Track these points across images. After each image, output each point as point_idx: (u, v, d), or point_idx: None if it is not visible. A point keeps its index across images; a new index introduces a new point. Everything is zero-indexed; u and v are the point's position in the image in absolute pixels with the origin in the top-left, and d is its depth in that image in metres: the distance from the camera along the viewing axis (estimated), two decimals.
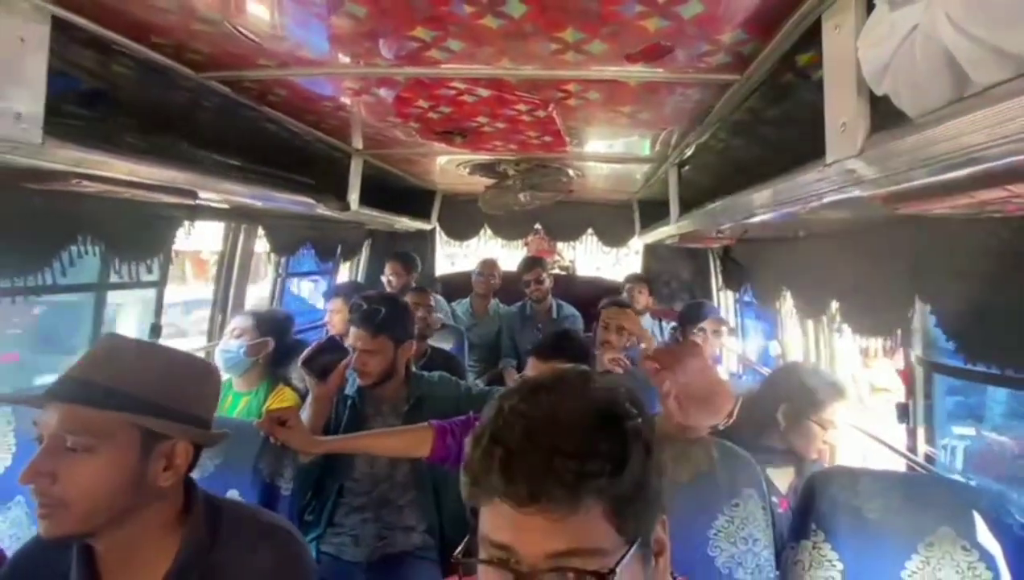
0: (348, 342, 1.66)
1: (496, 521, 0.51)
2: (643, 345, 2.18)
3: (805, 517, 1.09)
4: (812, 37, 0.84)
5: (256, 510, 0.97)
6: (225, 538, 0.85)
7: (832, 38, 0.78)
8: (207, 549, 0.84)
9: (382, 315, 1.64)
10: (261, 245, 2.39)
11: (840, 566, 1.04)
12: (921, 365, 1.40)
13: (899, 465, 1.56)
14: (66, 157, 1.06)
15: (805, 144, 0.92)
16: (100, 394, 0.77)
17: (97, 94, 1.27)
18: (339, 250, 3.10)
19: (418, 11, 0.89)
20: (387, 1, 0.86)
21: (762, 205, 1.19)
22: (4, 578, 0.83)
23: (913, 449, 1.47)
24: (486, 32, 0.96)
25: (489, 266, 3.41)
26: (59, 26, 0.96)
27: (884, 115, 0.71)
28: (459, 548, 0.54)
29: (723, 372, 2.94)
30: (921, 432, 1.44)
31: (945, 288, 1.15)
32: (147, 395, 0.80)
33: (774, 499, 1.43)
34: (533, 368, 1.49)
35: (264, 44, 1.09)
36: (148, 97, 1.34)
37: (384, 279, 3.09)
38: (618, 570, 0.49)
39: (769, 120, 1.27)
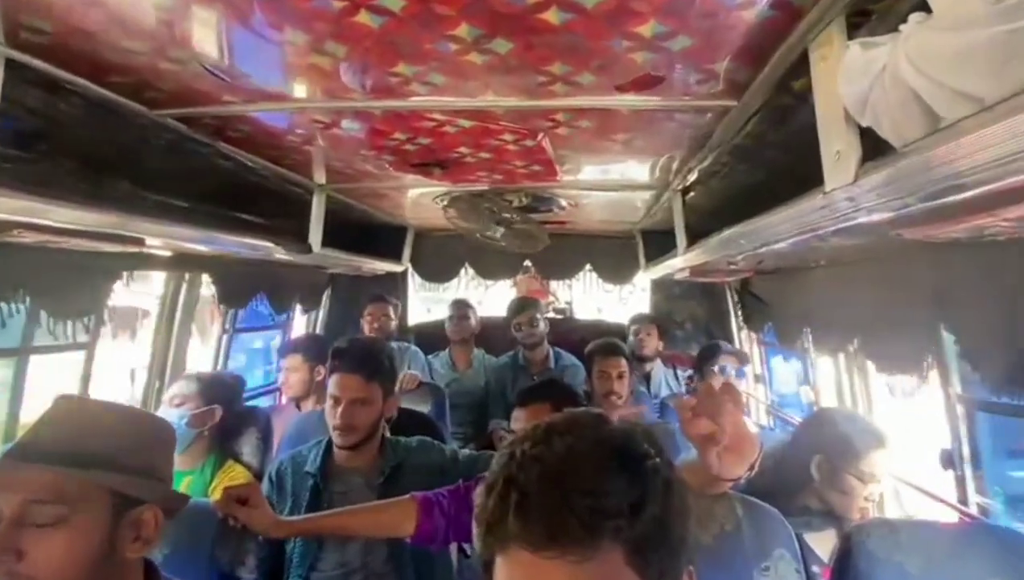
0: (329, 393, 1.65)
1: (512, 573, 0.56)
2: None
3: (843, 576, 1.17)
4: (801, 67, 1.02)
5: None
6: None
7: (820, 69, 0.95)
8: None
9: (375, 359, 1.66)
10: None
11: None
12: (961, 403, 1.53)
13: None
14: (5, 205, 1.16)
15: (809, 168, 1.07)
16: (69, 455, 0.83)
17: (40, 135, 1.40)
18: (297, 299, 3.19)
19: (401, 48, 1.05)
20: (370, 40, 1.01)
21: (769, 234, 1.34)
22: None
23: (964, 500, 1.57)
24: (470, 67, 1.12)
25: (461, 307, 3.48)
26: (12, 66, 1.10)
27: (875, 142, 0.86)
28: None
29: (751, 425, 3.04)
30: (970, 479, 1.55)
31: (969, 316, 1.30)
32: (117, 456, 0.88)
33: (815, 568, 1.49)
34: (515, 420, 1.57)
35: (234, 81, 1.23)
36: (94, 137, 1.46)
37: (365, 325, 3.18)
38: None
39: (771, 144, 1.45)
